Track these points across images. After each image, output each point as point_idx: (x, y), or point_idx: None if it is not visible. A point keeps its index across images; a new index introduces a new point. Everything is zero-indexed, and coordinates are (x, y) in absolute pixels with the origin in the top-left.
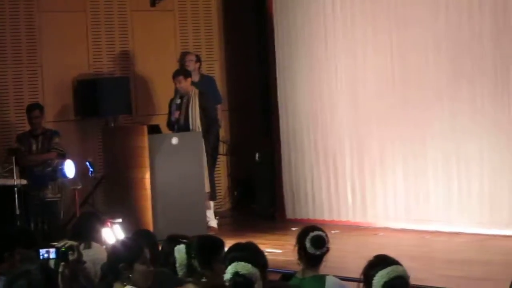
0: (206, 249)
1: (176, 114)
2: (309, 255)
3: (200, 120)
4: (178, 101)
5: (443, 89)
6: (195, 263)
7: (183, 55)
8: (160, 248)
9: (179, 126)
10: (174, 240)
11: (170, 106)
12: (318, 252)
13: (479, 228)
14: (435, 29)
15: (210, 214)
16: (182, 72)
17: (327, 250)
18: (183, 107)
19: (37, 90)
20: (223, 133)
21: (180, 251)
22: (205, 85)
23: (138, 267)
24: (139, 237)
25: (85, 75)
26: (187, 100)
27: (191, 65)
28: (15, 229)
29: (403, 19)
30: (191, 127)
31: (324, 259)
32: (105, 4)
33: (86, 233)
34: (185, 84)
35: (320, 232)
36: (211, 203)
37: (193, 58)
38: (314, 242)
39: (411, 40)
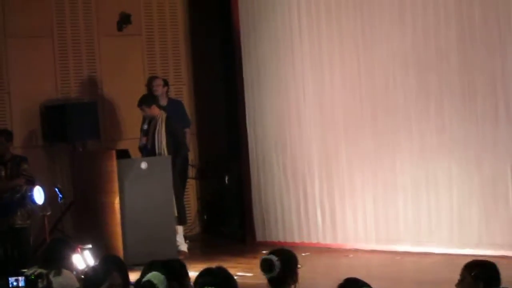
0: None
1: (143, 140)
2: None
3: (167, 144)
4: (145, 126)
5: (411, 110)
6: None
7: (151, 80)
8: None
9: (146, 150)
10: (156, 266)
11: (141, 131)
12: (268, 276)
13: (449, 248)
14: (402, 49)
15: (179, 238)
16: (143, 101)
17: (287, 274)
18: (150, 132)
19: (4, 116)
20: (192, 156)
21: (159, 277)
22: (173, 109)
23: None
24: (108, 262)
25: (52, 100)
26: (154, 124)
27: (159, 90)
28: None
29: (370, 39)
30: (157, 151)
31: (295, 283)
32: (72, 29)
33: (56, 259)
34: (150, 112)
35: (270, 256)
36: (180, 228)
37: (161, 82)
38: (262, 266)
39: (378, 60)
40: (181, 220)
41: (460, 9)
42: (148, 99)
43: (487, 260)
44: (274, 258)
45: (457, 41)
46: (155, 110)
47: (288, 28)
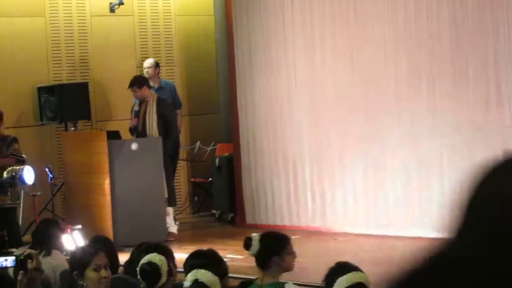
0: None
1: (134, 121)
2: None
3: (158, 126)
4: (137, 108)
5: (402, 93)
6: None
7: (143, 62)
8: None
9: (137, 132)
10: (145, 247)
11: (131, 112)
12: (250, 253)
13: (439, 233)
14: (394, 30)
15: (169, 220)
16: (135, 82)
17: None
18: (141, 114)
19: None
20: (182, 138)
21: (161, 260)
22: (164, 90)
23: (90, 274)
24: (96, 243)
25: (44, 80)
26: (145, 106)
27: (151, 71)
28: None
29: (362, 19)
30: (148, 133)
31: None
32: (64, 9)
33: (46, 240)
34: (140, 93)
35: (253, 235)
36: (170, 209)
37: (152, 64)
38: (244, 243)
39: (370, 41)
40: (171, 201)
41: None
42: (139, 81)
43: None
44: (256, 237)
45: (449, 22)
46: (146, 92)
47: (279, 8)
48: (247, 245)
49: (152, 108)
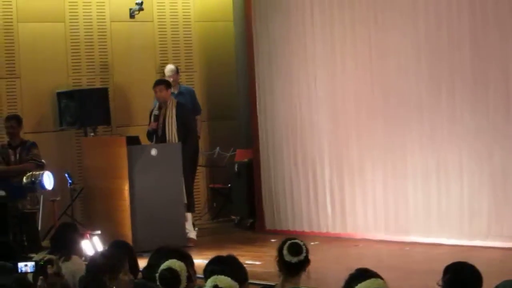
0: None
1: (153, 125)
2: (287, 263)
3: (177, 131)
4: (157, 112)
5: (422, 99)
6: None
7: (163, 68)
8: (146, 259)
9: (157, 137)
10: (164, 252)
11: (150, 117)
12: (295, 260)
13: (458, 240)
14: (414, 38)
15: (188, 225)
16: (165, 81)
17: (307, 260)
18: (161, 118)
19: (15, 101)
20: (202, 143)
21: (181, 266)
22: (184, 96)
23: (124, 277)
24: (117, 248)
25: (64, 86)
26: (165, 111)
27: (173, 77)
28: None
29: (382, 28)
30: (167, 138)
31: (306, 271)
32: (84, 14)
33: (65, 245)
34: (165, 93)
35: (297, 241)
36: (189, 215)
37: (174, 70)
38: (290, 249)
39: (390, 50)
40: (190, 207)
41: (473, 1)
42: (167, 82)
43: (466, 264)
44: (300, 242)
45: (469, 30)
46: (169, 94)
47: (300, 13)
48: (297, 251)
49: (172, 113)
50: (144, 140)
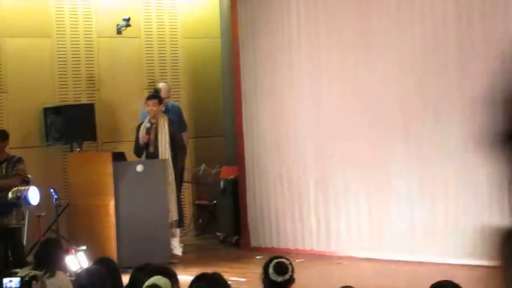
0: None
1: (145, 138)
2: (271, 282)
3: (170, 147)
4: (148, 125)
5: (408, 118)
6: None
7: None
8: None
9: (148, 153)
10: (147, 269)
11: (137, 131)
12: (280, 279)
13: (443, 258)
14: (401, 56)
15: (175, 242)
16: (158, 96)
17: (291, 279)
18: (153, 135)
19: (2, 116)
20: (187, 160)
21: (165, 283)
22: (171, 112)
23: None
24: (101, 265)
25: (50, 101)
26: (156, 126)
27: (167, 94)
28: None
29: (369, 46)
30: (160, 154)
31: None
32: (71, 30)
33: (49, 260)
34: (157, 108)
35: (283, 260)
36: (178, 231)
37: (166, 88)
38: (276, 269)
39: (376, 69)
40: (180, 223)
41: (459, 17)
42: (159, 97)
43: (451, 282)
44: (286, 261)
45: (456, 52)
46: (159, 110)
47: (286, 31)
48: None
49: (165, 129)
50: (130, 156)
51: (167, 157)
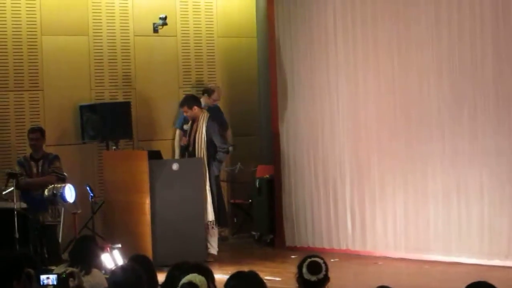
0: None
1: (184, 140)
2: (305, 281)
3: (206, 146)
4: (186, 127)
5: (444, 117)
6: None
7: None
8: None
9: (188, 153)
10: (183, 267)
11: (175, 122)
12: (314, 278)
13: (478, 259)
14: (437, 56)
15: (213, 241)
16: (185, 102)
17: (326, 278)
18: (192, 134)
19: (38, 114)
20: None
21: (201, 280)
22: (211, 113)
23: None
24: (136, 262)
25: (86, 99)
26: (196, 126)
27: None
28: (16, 253)
29: (405, 47)
30: (197, 153)
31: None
32: (108, 28)
33: (84, 258)
34: (191, 113)
35: (317, 259)
36: (216, 231)
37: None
38: (310, 268)
39: (413, 68)
40: (225, 221)
41: (496, 18)
42: (189, 100)
43: (487, 284)
44: (320, 261)
45: (492, 48)
46: (196, 111)
47: (323, 33)
48: (318, 269)
49: (202, 129)
50: (165, 154)
51: (203, 156)
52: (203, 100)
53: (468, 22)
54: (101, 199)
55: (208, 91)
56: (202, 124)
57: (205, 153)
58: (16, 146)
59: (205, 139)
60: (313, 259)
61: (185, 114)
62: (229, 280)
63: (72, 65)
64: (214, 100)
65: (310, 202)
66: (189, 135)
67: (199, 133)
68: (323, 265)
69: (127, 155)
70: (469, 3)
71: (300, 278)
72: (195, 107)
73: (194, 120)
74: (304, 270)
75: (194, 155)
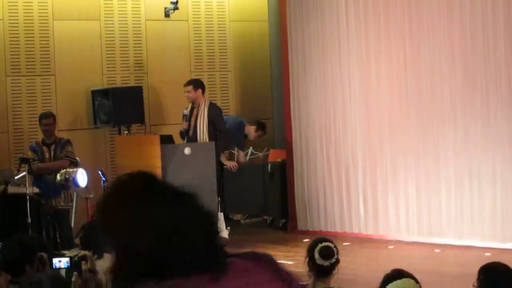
0: None
1: (184, 125)
2: (318, 266)
3: (208, 131)
4: (186, 112)
5: (456, 102)
6: None
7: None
8: None
9: (188, 137)
10: None
11: (183, 115)
12: (326, 263)
13: (490, 242)
14: (449, 42)
15: (221, 225)
16: (192, 82)
17: (337, 261)
18: (193, 118)
19: (50, 99)
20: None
21: None
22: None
23: None
24: None
25: (98, 84)
26: (197, 111)
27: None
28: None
29: (417, 30)
30: (198, 138)
31: (335, 271)
32: (119, 13)
33: (96, 242)
34: (193, 94)
35: (328, 243)
36: (221, 215)
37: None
38: (322, 253)
39: (425, 53)
40: (220, 207)
41: (508, 1)
42: (196, 81)
43: (500, 264)
44: (331, 245)
45: (504, 33)
46: (199, 95)
47: (335, 17)
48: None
49: (204, 113)
50: (177, 139)
51: (205, 141)
52: (250, 131)
53: (480, 7)
54: None
55: (262, 126)
56: (204, 108)
57: (207, 137)
58: (28, 131)
59: (207, 123)
60: (324, 243)
61: (187, 94)
62: None
63: (83, 50)
64: (256, 136)
65: (323, 186)
66: (189, 119)
67: (200, 118)
68: (334, 249)
69: (139, 140)
70: None
71: (311, 262)
72: (200, 90)
73: (194, 105)
74: (317, 255)
75: (195, 140)
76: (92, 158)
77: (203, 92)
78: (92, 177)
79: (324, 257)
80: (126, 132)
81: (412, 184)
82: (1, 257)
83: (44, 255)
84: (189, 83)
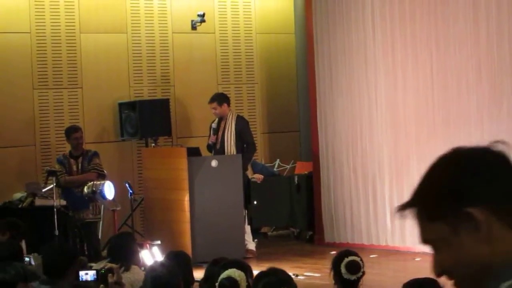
0: None
1: (212, 138)
2: (344, 280)
3: (236, 144)
4: (215, 125)
5: (483, 113)
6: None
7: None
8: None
9: (216, 150)
10: (222, 263)
11: (210, 128)
12: (353, 278)
13: None
14: (475, 52)
15: (248, 237)
16: (215, 98)
17: (363, 274)
18: (220, 131)
19: (77, 111)
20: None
21: (240, 275)
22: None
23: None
24: (173, 259)
25: (125, 96)
26: (224, 124)
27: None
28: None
29: (443, 41)
30: (226, 151)
31: (360, 282)
32: (146, 25)
33: (123, 255)
34: (220, 110)
35: (355, 257)
36: (248, 227)
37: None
38: (349, 268)
39: (451, 64)
40: (249, 219)
41: None
42: (220, 97)
43: (427, 279)
44: (357, 258)
45: None
46: (225, 109)
47: (361, 29)
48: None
49: (231, 126)
50: (204, 151)
51: (232, 153)
52: None
53: (507, 18)
54: (141, 196)
55: None
56: (231, 121)
57: (234, 150)
58: (55, 144)
59: (235, 137)
60: (350, 258)
61: (213, 110)
62: (259, 278)
63: (111, 62)
64: None
65: (349, 198)
66: (217, 133)
67: (228, 131)
68: (360, 262)
69: (166, 152)
70: (507, 0)
71: (337, 276)
72: (225, 104)
73: (221, 118)
74: (343, 270)
75: (222, 153)
76: (119, 171)
77: (228, 105)
78: (119, 190)
79: (351, 271)
80: (153, 144)
81: None
82: (43, 261)
83: (84, 259)
84: (212, 100)
